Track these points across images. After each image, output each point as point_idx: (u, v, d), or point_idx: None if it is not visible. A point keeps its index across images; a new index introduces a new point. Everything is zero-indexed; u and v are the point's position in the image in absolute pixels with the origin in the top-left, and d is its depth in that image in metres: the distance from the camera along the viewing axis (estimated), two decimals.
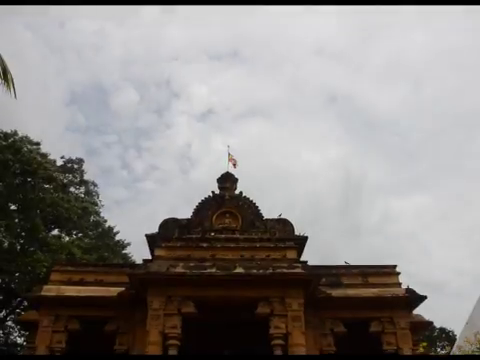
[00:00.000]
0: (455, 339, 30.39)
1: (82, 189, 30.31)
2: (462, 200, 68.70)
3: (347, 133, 77.59)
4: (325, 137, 75.34)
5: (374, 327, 15.03)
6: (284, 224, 15.92)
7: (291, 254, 15.05)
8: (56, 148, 64.33)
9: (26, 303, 21.68)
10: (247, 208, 16.37)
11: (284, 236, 15.60)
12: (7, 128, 25.87)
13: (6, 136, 25.41)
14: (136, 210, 67.99)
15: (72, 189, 29.20)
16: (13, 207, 25.85)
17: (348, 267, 16.59)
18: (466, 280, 58.33)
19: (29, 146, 26.00)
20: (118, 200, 68.59)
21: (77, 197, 28.81)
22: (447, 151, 71.00)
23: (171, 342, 13.57)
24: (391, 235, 63.94)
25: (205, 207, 16.36)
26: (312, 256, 18.15)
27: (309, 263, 15.21)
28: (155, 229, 15.89)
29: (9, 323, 27.28)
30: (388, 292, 15.31)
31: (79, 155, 38.08)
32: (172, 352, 13.47)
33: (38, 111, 61.93)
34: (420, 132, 73.91)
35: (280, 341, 13.63)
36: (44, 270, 22.50)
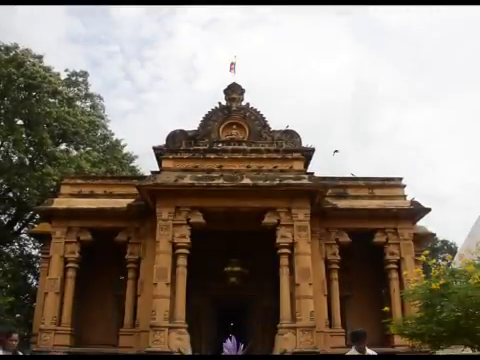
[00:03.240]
0: (456, 251, 31.04)
1: (88, 103, 29.85)
2: (472, 113, 67.50)
3: (357, 41, 74.56)
4: (335, 45, 72.23)
5: (378, 238, 15.36)
6: (291, 135, 15.80)
7: (298, 165, 15.09)
8: (57, 60, 62.59)
9: (38, 216, 22.06)
10: (254, 119, 16.20)
11: (291, 147, 15.54)
12: (6, 41, 25.14)
13: (7, 49, 24.73)
14: (142, 121, 67.13)
15: (78, 103, 28.70)
16: (20, 122, 25.62)
17: (354, 179, 16.70)
18: (471, 194, 58.58)
19: (32, 59, 25.33)
20: (123, 112, 67.39)
21: (83, 111, 28.48)
22: (460, 62, 68.76)
23: (180, 251, 13.96)
24: (399, 146, 63.46)
25: (212, 118, 16.19)
26: (320, 165, 18.12)
27: (316, 174, 15.22)
28: (162, 141, 15.86)
29: (23, 235, 27.89)
30: (393, 204, 15.50)
31: (81, 66, 37.39)
32: (181, 261, 13.89)
33: (35, 21, 59.61)
34: (433, 41, 71.17)
35: (286, 250, 14.00)
36: (54, 184, 22.67)
